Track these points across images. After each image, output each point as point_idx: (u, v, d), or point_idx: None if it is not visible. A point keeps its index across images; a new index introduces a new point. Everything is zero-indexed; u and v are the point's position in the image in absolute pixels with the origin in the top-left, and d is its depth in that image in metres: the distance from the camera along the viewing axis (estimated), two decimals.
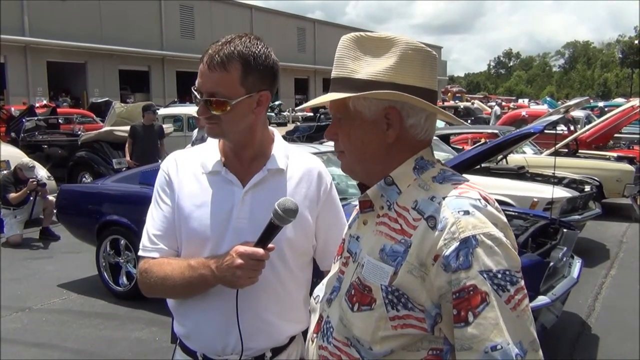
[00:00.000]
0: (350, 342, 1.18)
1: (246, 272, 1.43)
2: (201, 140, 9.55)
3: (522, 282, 1.08)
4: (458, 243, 1.06)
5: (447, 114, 1.28)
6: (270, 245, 1.47)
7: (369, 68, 1.18)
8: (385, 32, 1.22)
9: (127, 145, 9.61)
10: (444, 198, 1.12)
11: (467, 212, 1.08)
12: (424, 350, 1.12)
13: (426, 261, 1.09)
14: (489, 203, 1.13)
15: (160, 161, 9.34)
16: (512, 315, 1.04)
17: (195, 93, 1.54)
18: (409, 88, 1.16)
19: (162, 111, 15.06)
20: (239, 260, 1.42)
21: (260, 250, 1.44)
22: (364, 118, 1.20)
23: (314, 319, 1.36)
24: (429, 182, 1.18)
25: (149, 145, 9.35)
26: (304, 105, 1.45)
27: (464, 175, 1.24)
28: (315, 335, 1.31)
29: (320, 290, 1.39)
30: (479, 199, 1.12)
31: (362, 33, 1.23)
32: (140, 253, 1.64)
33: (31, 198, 8.30)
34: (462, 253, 1.05)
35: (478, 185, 1.18)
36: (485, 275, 1.04)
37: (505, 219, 1.14)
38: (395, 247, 1.14)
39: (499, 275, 1.05)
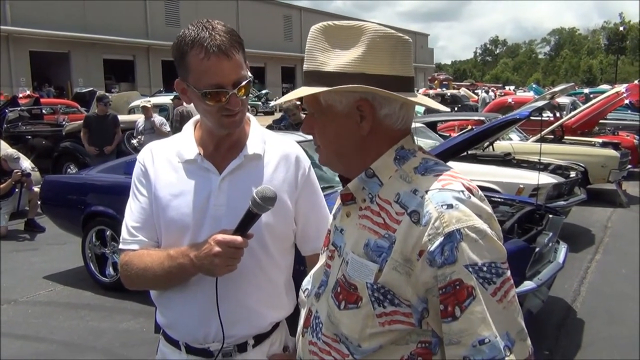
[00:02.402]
0: (339, 339, 1.17)
1: (224, 260, 1.42)
2: (150, 129, 9.52)
3: (509, 273, 1.08)
4: (442, 238, 1.04)
5: (422, 101, 1.21)
6: (249, 233, 1.46)
7: (337, 59, 1.14)
8: (355, 21, 1.18)
9: (82, 135, 9.82)
10: (426, 192, 1.10)
11: (450, 206, 1.07)
12: (412, 344, 1.12)
13: (411, 257, 1.08)
14: (472, 194, 1.11)
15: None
16: (498, 307, 1.04)
17: (219, 90, 1.46)
18: (378, 77, 1.13)
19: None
20: (217, 248, 1.42)
21: (239, 238, 1.43)
22: (336, 111, 1.18)
23: (304, 312, 1.35)
24: (411, 174, 1.16)
25: (103, 135, 9.48)
26: (279, 100, 1.47)
27: (450, 162, 1.22)
28: (305, 330, 1.30)
29: (308, 282, 1.38)
30: (463, 191, 1.10)
31: (330, 23, 1.19)
32: (120, 246, 1.63)
33: (16, 190, 8.21)
34: (447, 248, 1.04)
35: (460, 174, 1.16)
36: (470, 269, 1.03)
37: (489, 209, 1.12)
38: (379, 242, 1.13)
39: (485, 269, 1.04)
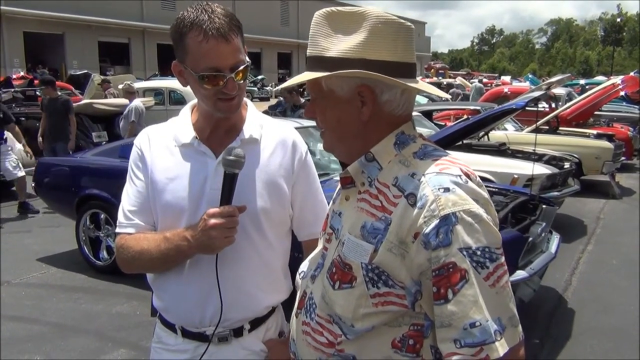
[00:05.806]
0: (333, 319, 1.18)
1: (221, 231, 1.43)
2: (126, 116, 8.84)
3: (503, 259, 1.08)
4: (438, 220, 1.05)
5: (423, 87, 1.23)
6: (241, 205, 1.47)
7: (340, 45, 1.15)
8: (357, 7, 1.18)
9: (42, 120, 9.27)
10: (424, 175, 1.11)
11: (447, 189, 1.07)
12: (405, 326, 1.13)
13: (406, 239, 1.09)
14: (470, 179, 1.12)
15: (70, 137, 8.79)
16: (491, 292, 1.05)
17: (216, 74, 1.46)
18: (380, 63, 1.13)
19: (143, 84, 14.86)
20: (212, 221, 1.43)
21: (230, 206, 1.45)
22: (338, 97, 1.18)
23: (299, 294, 1.36)
24: (410, 158, 1.17)
25: (55, 120, 9.05)
26: (283, 85, 1.52)
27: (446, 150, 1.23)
28: (299, 311, 1.32)
29: (305, 266, 1.39)
30: (460, 175, 1.11)
31: (334, 8, 1.19)
32: (116, 230, 1.63)
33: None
34: (442, 230, 1.05)
35: (460, 160, 1.17)
36: (464, 253, 1.04)
37: (486, 195, 1.13)
38: (376, 224, 1.14)
39: (479, 253, 1.05)
